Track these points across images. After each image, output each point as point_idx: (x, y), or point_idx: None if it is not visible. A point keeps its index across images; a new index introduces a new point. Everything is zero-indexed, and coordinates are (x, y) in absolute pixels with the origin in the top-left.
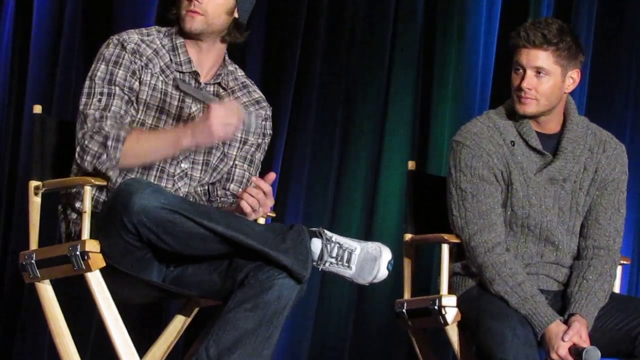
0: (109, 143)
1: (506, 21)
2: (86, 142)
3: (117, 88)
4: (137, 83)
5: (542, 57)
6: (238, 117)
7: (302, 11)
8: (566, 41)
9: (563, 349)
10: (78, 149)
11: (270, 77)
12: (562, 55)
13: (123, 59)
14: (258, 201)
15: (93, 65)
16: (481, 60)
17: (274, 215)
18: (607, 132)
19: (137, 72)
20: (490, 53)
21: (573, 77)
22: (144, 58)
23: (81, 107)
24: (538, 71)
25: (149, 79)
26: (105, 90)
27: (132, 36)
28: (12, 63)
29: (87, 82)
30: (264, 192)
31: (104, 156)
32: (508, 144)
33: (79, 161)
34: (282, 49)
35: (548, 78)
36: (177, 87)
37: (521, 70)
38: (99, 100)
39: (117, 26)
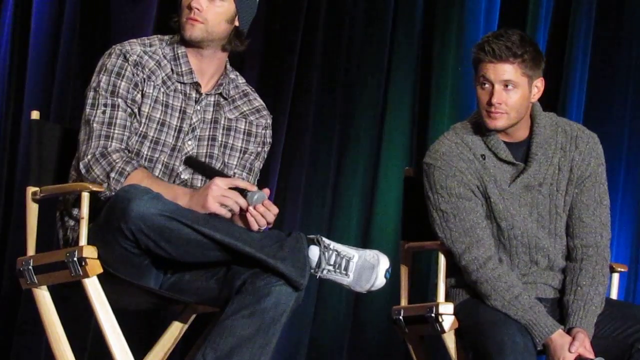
0: (112, 175)
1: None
2: (91, 163)
3: (120, 100)
4: (139, 95)
5: (509, 71)
6: (234, 201)
7: (300, 18)
8: (529, 51)
9: None
10: (82, 165)
11: (268, 85)
12: (527, 66)
13: (125, 70)
14: (266, 222)
15: (95, 76)
16: None
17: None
18: (577, 124)
19: (139, 84)
20: None
21: (538, 86)
22: (147, 70)
23: (85, 117)
24: (506, 84)
25: (151, 91)
26: (109, 101)
27: (134, 47)
28: (10, 69)
29: (90, 93)
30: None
31: (104, 185)
32: (479, 157)
33: (83, 172)
34: (279, 57)
35: (516, 90)
36: (185, 162)
37: (488, 85)
38: (103, 112)
39: (116, 31)
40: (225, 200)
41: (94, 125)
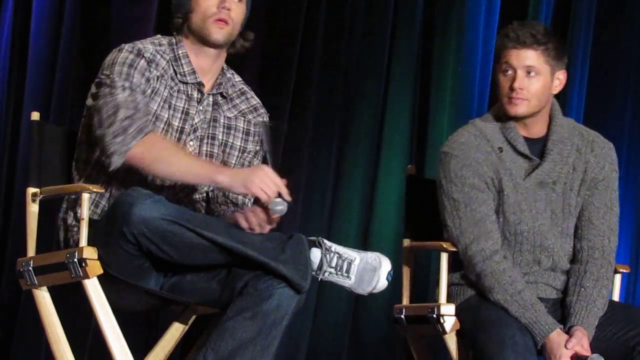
0: (130, 130)
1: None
2: (114, 116)
3: (136, 87)
4: (149, 91)
5: (532, 57)
6: (274, 191)
7: (299, 20)
8: (553, 41)
9: (565, 358)
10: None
11: (268, 85)
12: (550, 55)
13: (138, 64)
14: (259, 224)
15: (105, 70)
16: (479, 68)
17: None
18: (594, 131)
19: (151, 80)
20: (488, 60)
21: (560, 78)
22: (160, 69)
23: (106, 98)
24: (528, 71)
25: (162, 90)
26: (127, 85)
27: (147, 46)
28: (10, 70)
29: (105, 81)
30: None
31: (119, 138)
32: (496, 150)
33: (106, 123)
34: (279, 57)
35: (538, 77)
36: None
37: (510, 72)
38: (123, 90)
39: (116, 32)
40: (267, 188)
41: (119, 97)
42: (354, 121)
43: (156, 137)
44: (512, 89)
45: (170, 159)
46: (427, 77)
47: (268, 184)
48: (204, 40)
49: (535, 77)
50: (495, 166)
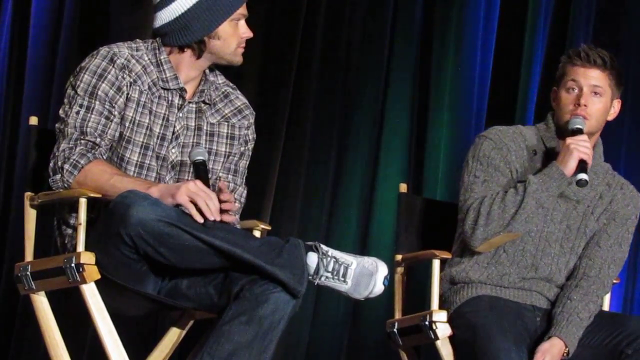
0: (66, 167)
1: (503, 36)
2: (55, 158)
3: (97, 102)
4: (121, 99)
5: (599, 77)
6: (205, 202)
7: (298, 27)
8: (617, 69)
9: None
10: (51, 155)
11: (266, 93)
12: (614, 80)
13: (109, 73)
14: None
15: (76, 74)
16: (477, 74)
17: (269, 228)
18: (627, 180)
19: (123, 87)
20: (486, 67)
21: (615, 106)
22: (133, 74)
23: (61, 114)
24: (594, 91)
25: (137, 96)
26: (85, 103)
27: (122, 50)
28: (8, 74)
29: (69, 90)
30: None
31: (58, 176)
32: (530, 152)
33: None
34: (278, 64)
35: (601, 99)
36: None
37: (576, 90)
38: (77, 113)
39: (114, 37)
40: (197, 198)
41: (69, 121)
42: (352, 125)
43: (91, 169)
44: (578, 104)
45: (105, 187)
46: (426, 81)
47: (197, 193)
48: (226, 61)
49: (599, 97)
50: (523, 162)
